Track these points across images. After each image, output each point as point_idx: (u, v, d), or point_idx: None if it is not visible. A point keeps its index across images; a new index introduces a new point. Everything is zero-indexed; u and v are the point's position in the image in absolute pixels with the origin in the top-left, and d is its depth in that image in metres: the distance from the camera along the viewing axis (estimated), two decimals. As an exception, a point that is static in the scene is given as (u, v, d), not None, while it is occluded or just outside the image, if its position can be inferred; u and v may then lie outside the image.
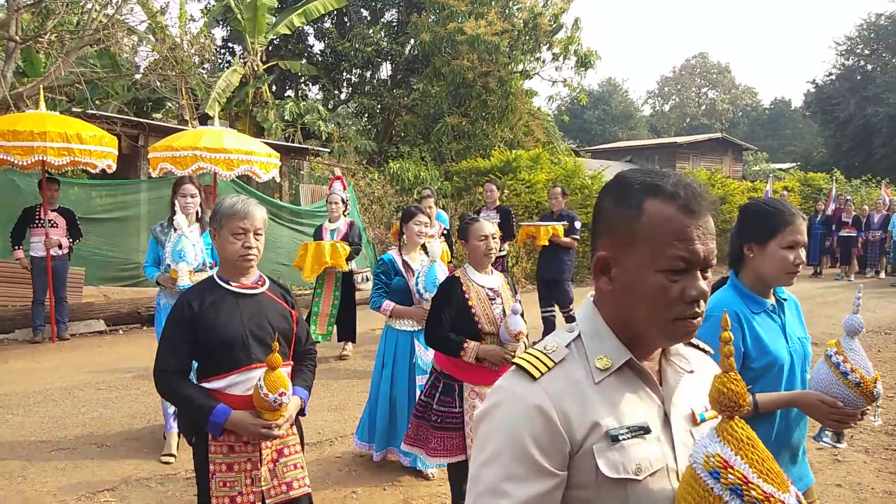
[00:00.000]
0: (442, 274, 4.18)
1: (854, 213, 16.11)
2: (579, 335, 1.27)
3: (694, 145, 34.03)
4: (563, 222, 7.89)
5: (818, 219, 16.91)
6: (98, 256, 9.95)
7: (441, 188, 14.34)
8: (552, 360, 1.21)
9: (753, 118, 59.83)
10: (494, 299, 3.45)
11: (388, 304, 4.35)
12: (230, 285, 2.55)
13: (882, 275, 16.22)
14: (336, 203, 7.39)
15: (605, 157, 31.43)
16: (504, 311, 3.41)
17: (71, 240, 8.20)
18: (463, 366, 3.41)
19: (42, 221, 7.95)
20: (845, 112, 36.34)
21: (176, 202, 4.74)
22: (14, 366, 7.14)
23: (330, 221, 7.42)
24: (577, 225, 8.05)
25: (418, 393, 4.05)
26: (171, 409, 4.59)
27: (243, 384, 2.46)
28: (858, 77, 37.78)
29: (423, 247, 4.53)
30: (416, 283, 4.26)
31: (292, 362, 2.68)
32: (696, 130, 51.00)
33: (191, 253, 4.52)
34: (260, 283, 2.64)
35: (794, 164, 37.11)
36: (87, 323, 8.79)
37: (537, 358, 1.22)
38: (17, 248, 7.98)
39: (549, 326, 7.87)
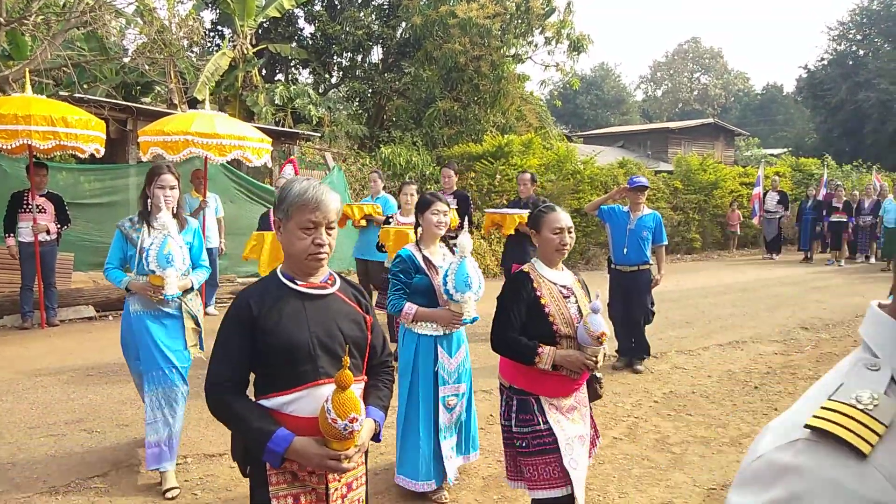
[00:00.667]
0: (475, 272, 3.70)
1: (845, 199, 16.17)
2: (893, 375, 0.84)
3: (686, 130, 34.02)
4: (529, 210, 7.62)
5: (809, 204, 16.96)
6: (87, 242, 9.86)
7: (433, 173, 14.29)
8: (881, 423, 0.79)
9: (745, 103, 59.88)
10: (568, 297, 3.04)
11: (411, 308, 3.76)
12: (296, 284, 2.15)
13: (872, 260, 16.31)
14: None
15: (597, 142, 31.39)
16: (580, 310, 3.02)
17: (59, 225, 8.13)
18: (535, 376, 2.95)
19: (30, 207, 7.87)
20: (837, 98, 36.42)
21: (152, 194, 4.09)
22: (3, 352, 7.08)
23: None
24: None
25: (442, 414, 3.81)
26: (156, 440, 3.99)
27: (309, 403, 2.06)
28: (850, 62, 37.83)
29: (443, 239, 4.09)
30: (445, 283, 3.66)
31: (366, 377, 2.29)
32: (688, 116, 51.01)
33: (178, 257, 3.96)
34: (330, 281, 2.23)
35: (785, 150, 37.17)
36: (76, 309, 8.73)
37: (854, 419, 0.79)
38: (9, 235, 7.91)
39: None
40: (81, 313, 8.74)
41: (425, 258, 3.88)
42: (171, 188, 4.11)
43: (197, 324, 4.22)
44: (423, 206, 4.03)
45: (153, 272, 3.89)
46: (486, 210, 8.23)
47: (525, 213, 7.12)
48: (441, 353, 3.82)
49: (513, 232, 7.39)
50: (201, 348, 4.18)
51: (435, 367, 3.82)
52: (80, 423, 5.03)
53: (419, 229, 4.12)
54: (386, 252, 6.50)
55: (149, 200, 4.11)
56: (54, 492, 3.93)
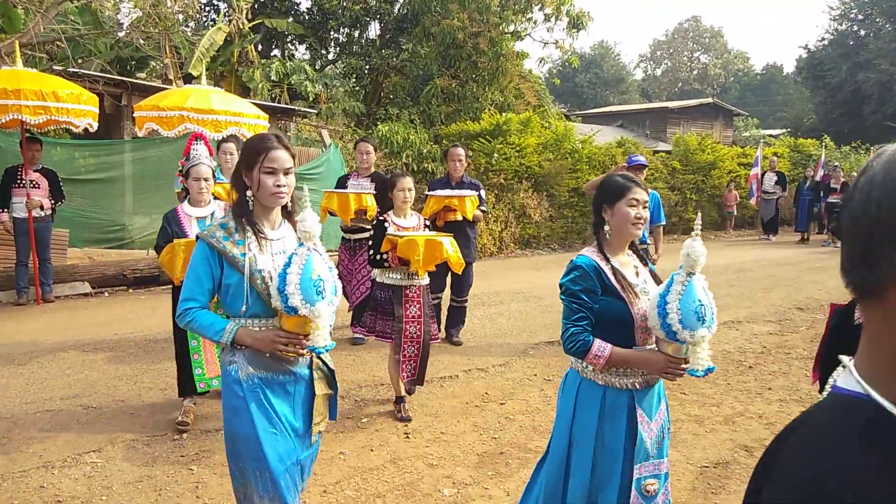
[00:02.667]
0: (706, 296, 2.55)
1: (843, 180, 16.15)
2: None
3: (685, 110, 33.85)
4: (472, 192, 6.42)
5: (806, 185, 16.95)
6: (82, 218, 9.82)
7: (430, 152, 14.21)
8: None
9: (745, 83, 59.57)
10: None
11: (603, 348, 2.51)
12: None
13: (868, 241, 16.31)
14: (201, 180, 4.45)
15: (595, 121, 31.22)
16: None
17: (53, 201, 8.08)
18: None
19: (23, 182, 7.81)
20: (837, 78, 36.24)
21: (255, 181, 2.50)
22: (-2, 327, 7.08)
23: (193, 205, 4.57)
24: (483, 195, 6.68)
25: None
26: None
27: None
28: (851, 42, 37.58)
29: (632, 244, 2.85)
30: (662, 313, 2.48)
31: None
32: (687, 95, 50.74)
33: (330, 284, 2.46)
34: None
35: (784, 131, 37.06)
36: (71, 285, 8.71)
37: None
38: (2, 210, 7.87)
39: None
40: (77, 289, 8.72)
41: (615, 271, 2.63)
42: (287, 173, 2.54)
43: (331, 385, 2.72)
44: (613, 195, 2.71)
45: (294, 311, 2.39)
46: (430, 193, 6.37)
47: (473, 195, 6.29)
48: (640, 414, 2.59)
49: (471, 217, 6.27)
50: (332, 417, 2.77)
51: (629, 436, 2.57)
52: (76, 399, 5.04)
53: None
54: (388, 262, 4.66)
55: (247, 193, 2.55)
56: (50, 466, 3.94)
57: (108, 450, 4.19)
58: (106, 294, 8.84)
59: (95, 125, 7.87)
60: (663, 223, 6.83)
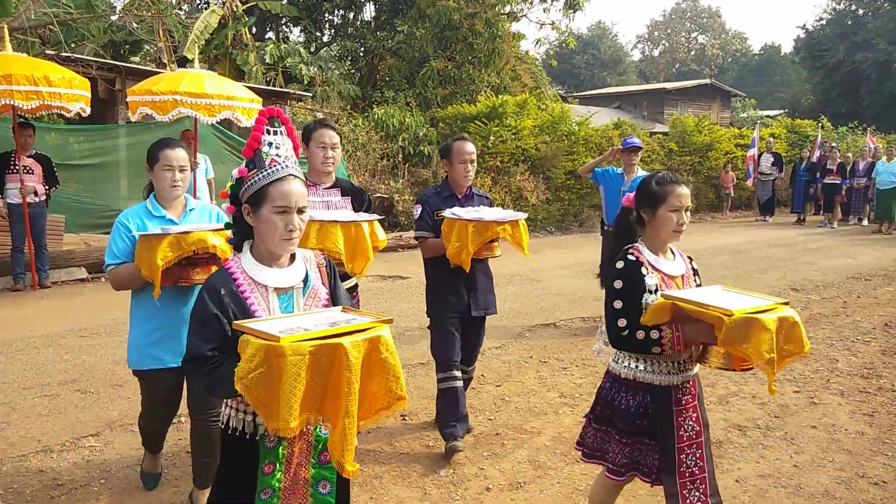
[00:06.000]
0: None
1: (839, 161, 16.14)
2: None
3: (682, 91, 33.70)
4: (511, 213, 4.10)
5: (803, 166, 16.96)
6: (77, 203, 9.81)
7: (427, 135, 14.17)
8: None
9: (743, 64, 59.28)
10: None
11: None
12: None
13: (865, 222, 16.37)
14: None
15: (593, 103, 31.12)
16: None
17: (47, 187, 8.06)
18: None
19: (16, 168, 7.79)
20: (834, 58, 36.10)
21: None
22: (-5, 313, 7.09)
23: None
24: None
25: None
26: None
27: None
28: (849, 22, 37.39)
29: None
30: None
31: None
32: (685, 76, 50.52)
33: None
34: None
35: (781, 111, 36.95)
36: (68, 270, 8.72)
37: None
38: (-2, 196, 7.86)
39: None
40: (74, 275, 8.73)
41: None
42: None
43: None
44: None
45: None
46: (453, 215, 3.83)
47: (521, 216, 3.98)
48: None
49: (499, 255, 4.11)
50: None
51: None
52: (73, 384, 5.06)
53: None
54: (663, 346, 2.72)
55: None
56: (48, 451, 3.97)
57: (107, 434, 4.22)
58: (102, 279, 8.85)
59: (88, 110, 7.84)
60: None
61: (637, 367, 2.60)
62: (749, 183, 17.71)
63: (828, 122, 24.26)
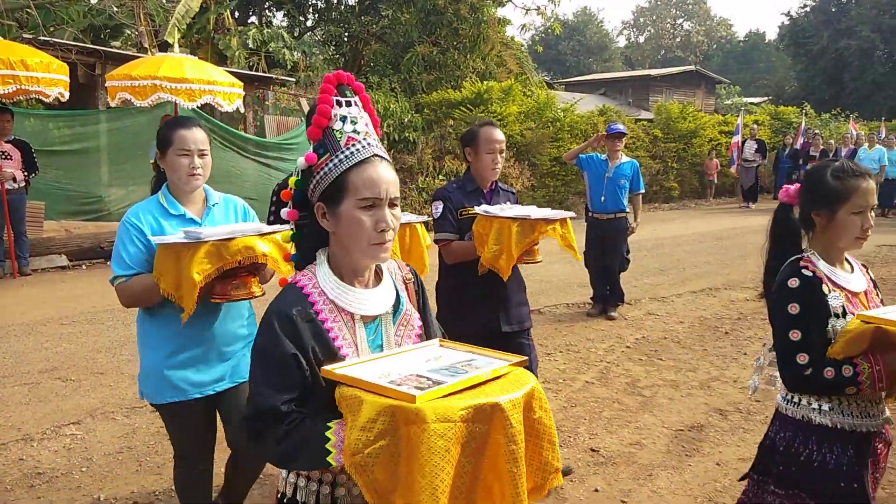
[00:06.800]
0: None
1: (822, 147, 16.25)
2: None
3: (667, 78, 33.73)
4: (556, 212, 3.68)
5: (786, 153, 17.08)
6: (58, 190, 9.68)
7: (412, 121, 14.10)
8: None
9: (728, 51, 59.47)
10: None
11: None
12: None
13: (846, 208, 16.51)
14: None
15: (578, 89, 31.06)
16: None
17: (27, 173, 7.95)
18: None
19: (-6, 153, 7.67)
20: (818, 45, 36.27)
21: None
22: (-26, 301, 7.01)
23: None
24: None
25: None
26: None
27: None
28: (833, 9, 37.56)
29: None
30: None
31: None
32: (670, 63, 50.55)
33: None
34: None
35: (766, 98, 37.11)
36: (48, 258, 8.61)
37: None
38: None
39: None
40: (54, 262, 8.63)
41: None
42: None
43: None
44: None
45: None
46: (488, 211, 3.25)
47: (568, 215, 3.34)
48: None
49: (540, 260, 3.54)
50: None
51: None
52: (53, 372, 5.02)
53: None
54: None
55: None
56: (29, 439, 3.93)
57: (88, 422, 4.19)
58: (83, 267, 8.76)
59: (67, 95, 7.73)
60: (642, 191, 6.88)
61: (829, 408, 2.04)
62: (733, 170, 17.80)
63: (811, 110, 24.40)
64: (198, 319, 2.44)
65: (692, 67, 37.34)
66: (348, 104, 1.57)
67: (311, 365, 1.45)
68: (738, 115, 19.20)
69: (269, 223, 2.79)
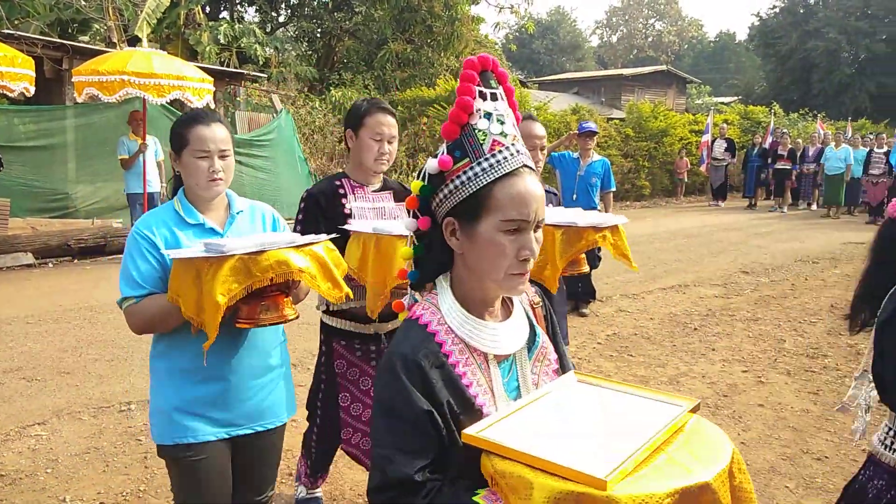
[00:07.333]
0: None
1: (790, 147, 16.53)
2: None
3: (639, 77, 34.07)
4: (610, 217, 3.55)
5: (755, 152, 17.33)
6: (24, 187, 9.50)
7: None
8: None
9: (699, 51, 60.27)
10: None
11: None
12: None
13: (814, 206, 16.82)
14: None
15: (552, 88, 31.23)
16: None
17: (-9, 169, 7.79)
18: None
19: (-43, 149, 7.51)
20: (787, 46, 36.88)
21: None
22: (-65, 300, 6.85)
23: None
24: None
25: None
26: None
27: None
28: (801, 10, 38.21)
29: None
30: None
31: None
32: (642, 62, 51.05)
33: None
34: None
35: (735, 98, 37.66)
36: (14, 256, 8.44)
37: None
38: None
39: None
40: (20, 260, 8.46)
41: None
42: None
43: None
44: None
45: None
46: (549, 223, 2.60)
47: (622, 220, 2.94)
48: None
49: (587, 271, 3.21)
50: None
51: None
52: (18, 372, 4.92)
53: None
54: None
55: None
56: (-8, 440, 3.86)
57: (53, 422, 4.12)
58: (50, 265, 8.60)
59: (32, 89, 7.58)
60: (613, 189, 6.95)
61: None
62: (703, 168, 18.02)
63: (779, 109, 24.80)
64: (218, 347, 2.03)
65: (664, 67, 37.77)
66: (494, 97, 1.30)
67: (448, 421, 1.20)
68: (708, 115, 19.43)
69: (296, 232, 2.51)
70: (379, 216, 2.73)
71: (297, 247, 2.00)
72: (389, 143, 2.67)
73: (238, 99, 13.43)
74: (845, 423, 4.27)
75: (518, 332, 1.35)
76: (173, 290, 1.98)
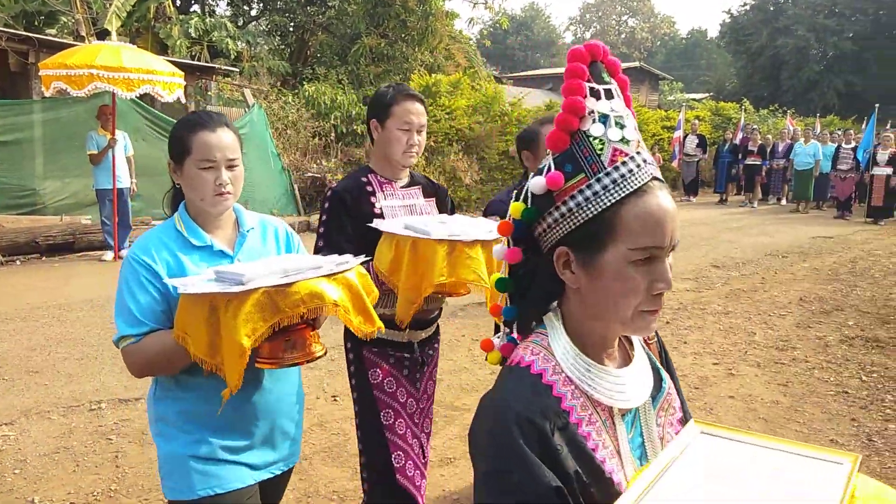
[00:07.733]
0: None
1: (760, 143, 16.78)
2: None
3: (613, 73, 34.35)
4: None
5: (726, 147, 17.56)
6: (-11, 183, 9.30)
7: (360, 113, 14.01)
8: None
9: (671, 48, 60.88)
10: None
11: None
12: None
13: (783, 201, 17.10)
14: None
15: (526, 84, 31.31)
16: None
17: (-45, 164, 7.61)
18: None
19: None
20: (757, 43, 37.37)
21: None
22: None
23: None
24: None
25: None
26: None
27: None
28: (771, 8, 38.73)
29: None
30: None
31: None
32: (615, 59, 51.41)
33: None
34: None
35: (707, 95, 38.12)
36: (-21, 253, 8.27)
37: None
38: None
39: None
40: (-15, 258, 8.29)
41: None
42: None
43: None
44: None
45: None
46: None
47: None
48: None
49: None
50: None
51: None
52: (-15, 372, 4.83)
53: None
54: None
55: None
56: (-43, 442, 3.78)
57: (22, 422, 4.05)
58: (17, 262, 8.43)
59: (-3, 83, 7.42)
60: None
61: None
62: (675, 164, 18.21)
63: (750, 106, 25.13)
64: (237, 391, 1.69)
65: (636, 64, 38.08)
66: (609, 95, 1.06)
67: (576, 497, 0.95)
68: (680, 111, 19.64)
69: (321, 236, 2.31)
70: (410, 214, 2.47)
71: (330, 275, 1.70)
72: (419, 133, 2.42)
73: (209, 93, 13.28)
74: (814, 413, 4.36)
75: (643, 380, 1.11)
76: (180, 327, 1.68)
